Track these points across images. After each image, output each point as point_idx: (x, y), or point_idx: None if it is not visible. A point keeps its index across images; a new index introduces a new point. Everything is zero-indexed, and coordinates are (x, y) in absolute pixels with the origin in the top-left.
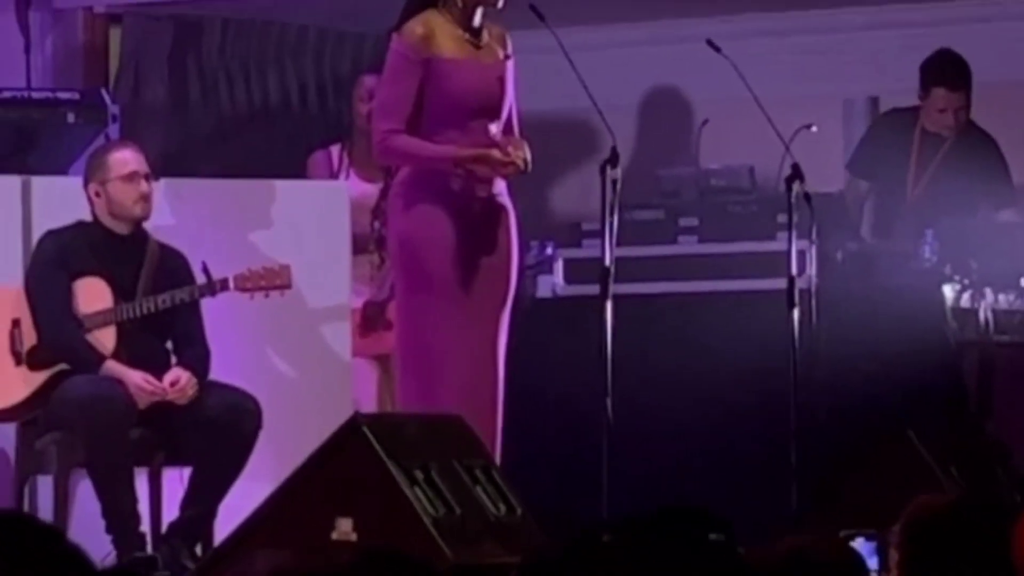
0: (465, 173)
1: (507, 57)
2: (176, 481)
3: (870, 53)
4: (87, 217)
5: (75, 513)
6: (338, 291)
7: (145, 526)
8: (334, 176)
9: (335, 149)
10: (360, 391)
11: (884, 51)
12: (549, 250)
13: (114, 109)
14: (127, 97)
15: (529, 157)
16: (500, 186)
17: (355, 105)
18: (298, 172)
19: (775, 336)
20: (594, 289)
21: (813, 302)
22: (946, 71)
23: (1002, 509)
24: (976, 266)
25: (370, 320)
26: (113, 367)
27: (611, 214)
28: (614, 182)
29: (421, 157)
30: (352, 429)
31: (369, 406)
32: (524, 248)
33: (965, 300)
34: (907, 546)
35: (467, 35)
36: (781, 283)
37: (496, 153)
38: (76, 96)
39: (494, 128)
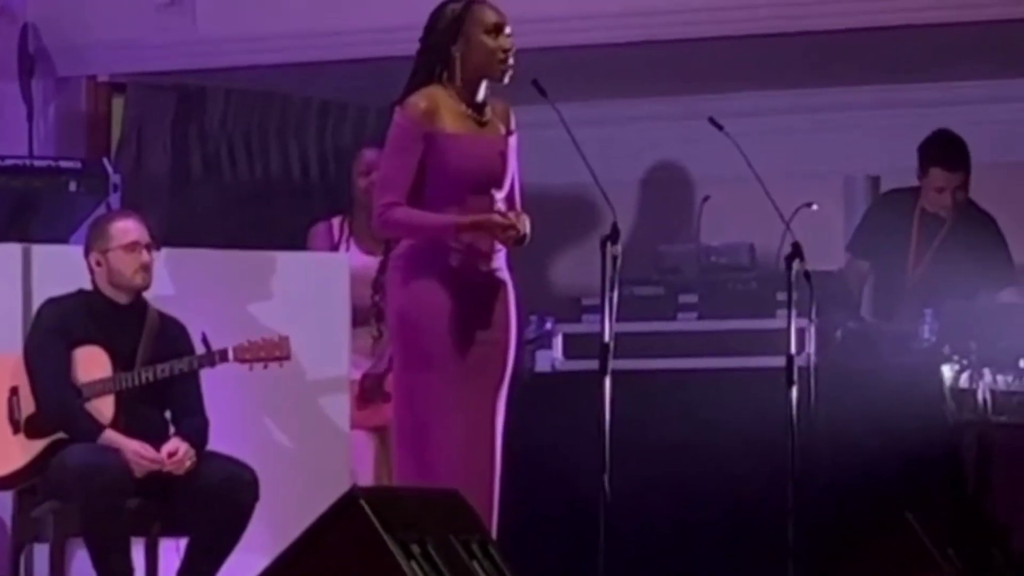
0: (464, 248)
1: (509, 132)
2: (172, 551)
3: (871, 132)
4: (87, 286)
5: None
6: (337, 363)
7: None
8: (335, 248)
9: (336, 221)
10: (358, 463)
11: (885, 130)
12: (549, 325)
13: (116, 178)
14: (129, 166)
15: (529, 230)
16: (499, 261)
17: (354, 178)
18: (299, 243)
19: (773, 414)
20: (593, 364)
21: (812, 380)
22: (943, 151)
23: None
24: (975, 347)
25: (368, 392)
26: (111, 436)
27: (611, 289)
28: (614, 258)
29: (422, 227)
30: (349, 502)
31: (366, 478)
32: (523, 323)
33: (964, 380)
34: None
35: (470, 110)
36: (780, 361)
37: (497, 217)
38: (78, 165)
39: (495, 204)
